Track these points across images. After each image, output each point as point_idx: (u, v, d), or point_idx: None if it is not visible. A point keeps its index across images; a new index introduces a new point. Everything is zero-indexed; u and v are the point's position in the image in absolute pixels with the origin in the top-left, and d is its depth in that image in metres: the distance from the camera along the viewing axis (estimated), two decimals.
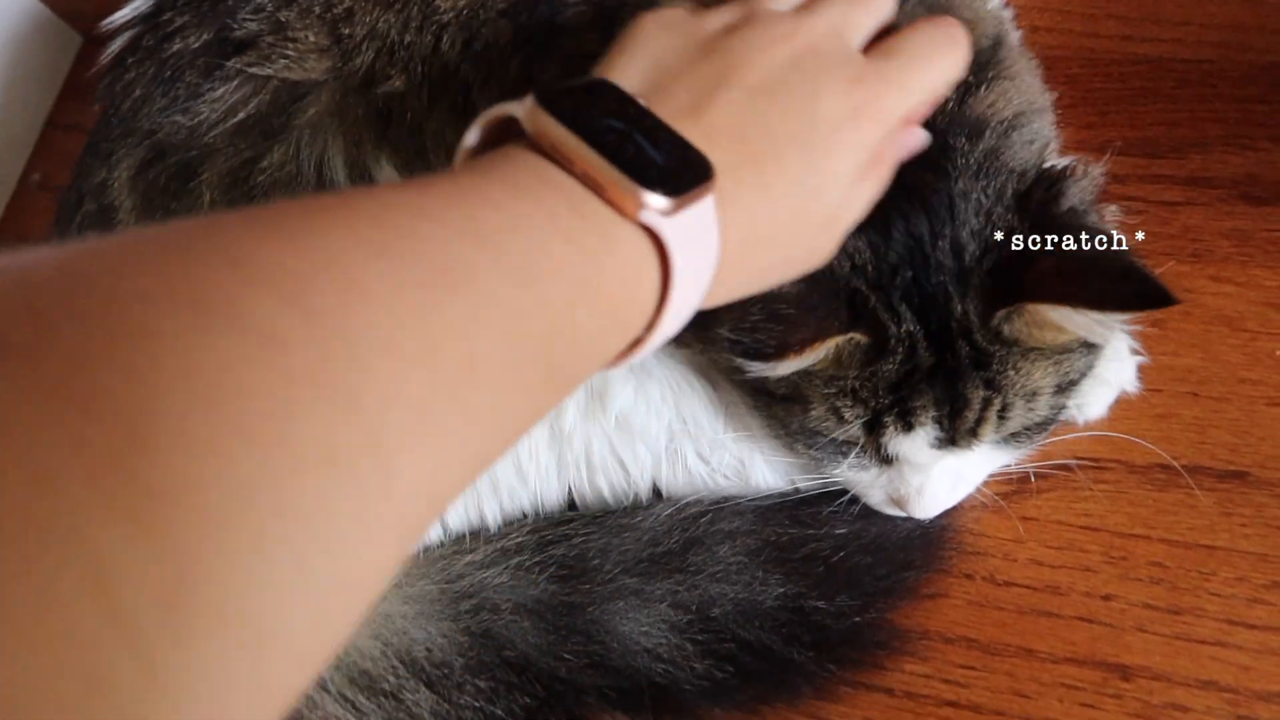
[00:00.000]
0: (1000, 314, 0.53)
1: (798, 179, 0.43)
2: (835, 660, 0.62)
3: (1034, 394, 0.57)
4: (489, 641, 0.64)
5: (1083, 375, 0.59)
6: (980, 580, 0.66)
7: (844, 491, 0.65)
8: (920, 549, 0.65)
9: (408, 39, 0.61)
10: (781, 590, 0.60)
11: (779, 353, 0.52)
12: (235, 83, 0.63)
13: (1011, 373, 0.55)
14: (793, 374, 0.57)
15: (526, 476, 0.65)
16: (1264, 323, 0.68)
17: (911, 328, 0.54)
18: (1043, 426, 0.61)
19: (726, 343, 0.54)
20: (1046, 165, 0.56)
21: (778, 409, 0.61)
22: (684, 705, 0.62)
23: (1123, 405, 0.68)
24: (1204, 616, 0.62)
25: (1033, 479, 0.66)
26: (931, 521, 0.65)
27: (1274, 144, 0.71)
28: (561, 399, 0.37)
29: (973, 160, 0.54)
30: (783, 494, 0.66)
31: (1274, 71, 0.73)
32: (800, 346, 0.52)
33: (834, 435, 0.59)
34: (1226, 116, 0.73)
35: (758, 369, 0.55)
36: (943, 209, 0.53)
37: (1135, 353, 0.67)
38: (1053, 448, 0.67)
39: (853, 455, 0.61)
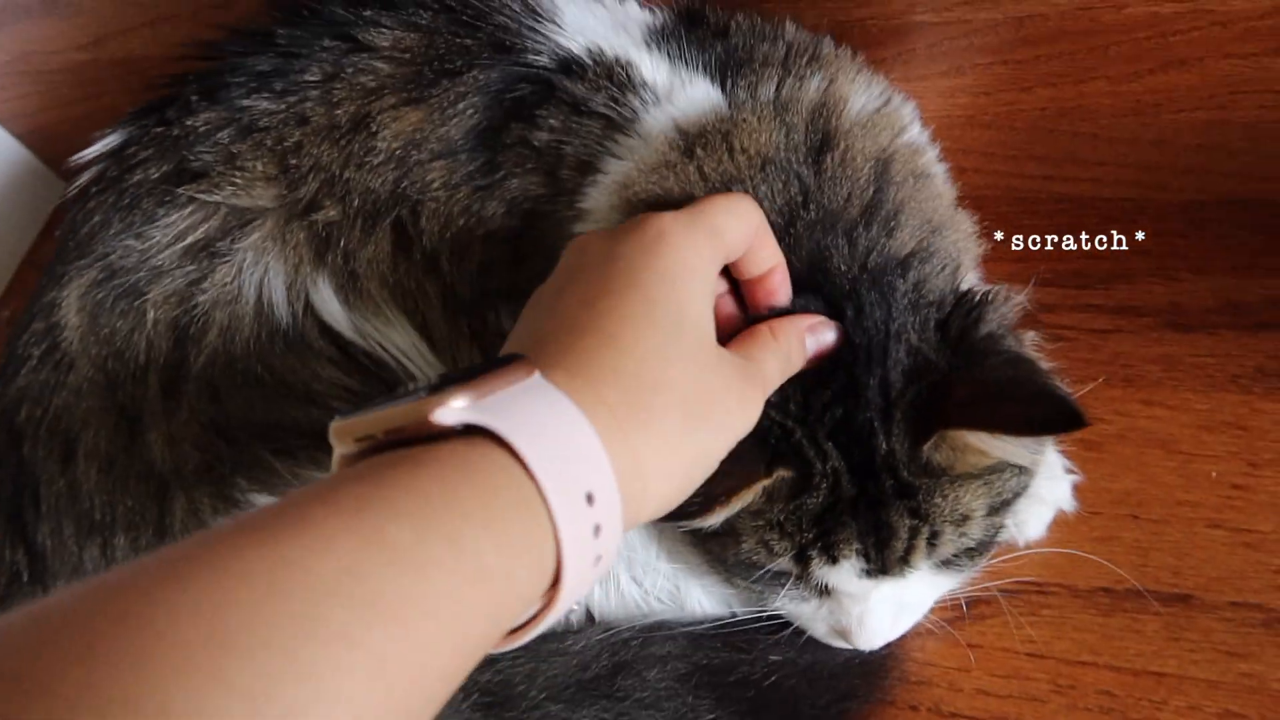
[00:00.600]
0: (927, 445, 0.53)
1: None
2: None
3: (965, 518, 0.56)
4: None
5: (1016, 495, 0.58)
6: (925, 711, 0.64)
7: (787, 622, 0.64)
8: (861, 678, 0.63)
9: (347, 174, 0.64)
10: (713, 716, 0.58)
11: (705, 508, 0.52)
12: (188, 209, 0.66)
13: (939, 500, 0.54)
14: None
15: None
16: (1198, 445, 0.68)
17: (836, 464, 0.54)
18: (981, 550, 0.60)
19: None
20: (965, 290, 0.58)
21: (711, 543, 0.60)
22: None
23: (1063, 528, 0.67)
24: None
25: (965, 608, 0.65)
26: (873, 650, 0.64)
27: (1195, 275, 0.74)
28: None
29: (902, 298, 0.55)
30: (720, 621, 0.64)
31: (1190, 210, 0.76)
32: (726, 497, 0.52)
33: (766, 567, 0.58)
34: (1149, 250, 0.76)
35: (687, 525, 0.55)
36: (877, 349, 0.54)
37: (1070, 471, 0.67)
38: (997, 568, 0.66)
39: (789, 586, 0.59)
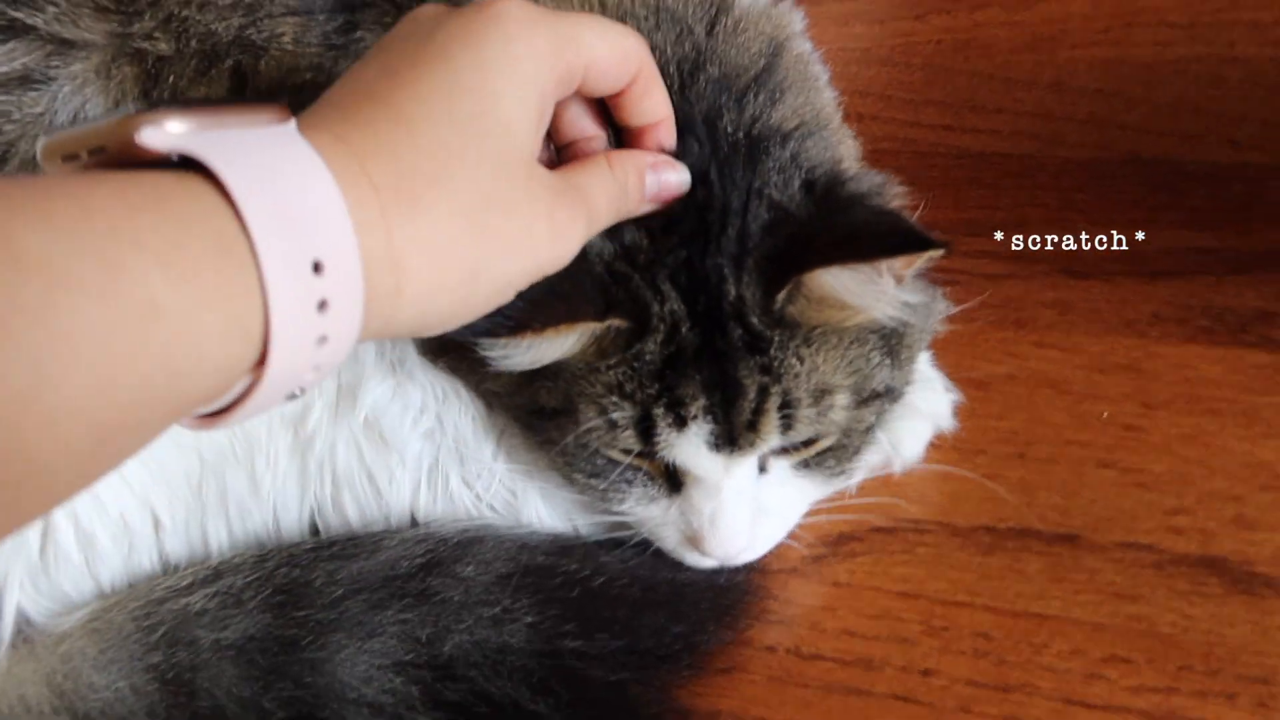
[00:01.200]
0: (780, 294, 0.48)
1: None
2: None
3: (823, 393, 0.51)
4: (181, 691, 0.52)
5: (887, 390, 0.54)
6: (783, 653, 0.56)
7: (639, 543, 0.57)
8: (713, 607, 0.55)
9: (186, 13, 0.59)
10: (532, 621, 0.50)
11: (515, 329, 0.46)
12: (8, 45, 0.60)
13: (794, 361, 0.49)
14: (553, 372, 0.51)
15: (260, 487, 0.55)
16: (1090, 386, 0.63)
17: (675, 306, 0.49)
18: (845, 451, 0.54)
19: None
20: (842, 167, 0.54)
21: (550, 428, 0.53)
22: None
23: (945, 463, 0.62)
24: (1036, 695, 0.52)
25: (833, 546, 0.58)
26: (729, 578, 0.56)
27: (1093, 226, 0.71)
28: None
29: (774, 161, 0.51)
30: (558, 537, 0.57)
31: (1091, 167, 0.74)
32: (541, 326, 0.46)
33: (611, 449, 0.52)
34: (1046, 203, 0.73)
35: (497, 352, 0.49)
36: (737, 202, 0.49)
37: (949, 390, 0.62)
38: (869, 502, 0.60)
39: (637, 482, 0.54)
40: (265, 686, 0.50)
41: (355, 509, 0.56)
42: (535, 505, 0.57)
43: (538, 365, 0.50)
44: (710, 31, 0.53)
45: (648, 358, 0.49)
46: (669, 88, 0.49)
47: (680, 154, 0.50)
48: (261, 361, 0.34)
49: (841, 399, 0.51)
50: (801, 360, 0.49)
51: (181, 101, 0.35)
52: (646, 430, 0.50)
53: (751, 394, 0.49)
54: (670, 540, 0.55)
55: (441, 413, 0.55)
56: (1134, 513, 0.58)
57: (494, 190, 0.40)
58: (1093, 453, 0.61)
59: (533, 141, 0.42)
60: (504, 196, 0.40)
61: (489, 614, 0.50)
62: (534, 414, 0.54)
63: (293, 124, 0.36)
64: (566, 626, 0.50)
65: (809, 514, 0.59)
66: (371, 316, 0.38)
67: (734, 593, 0.56)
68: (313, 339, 0.36)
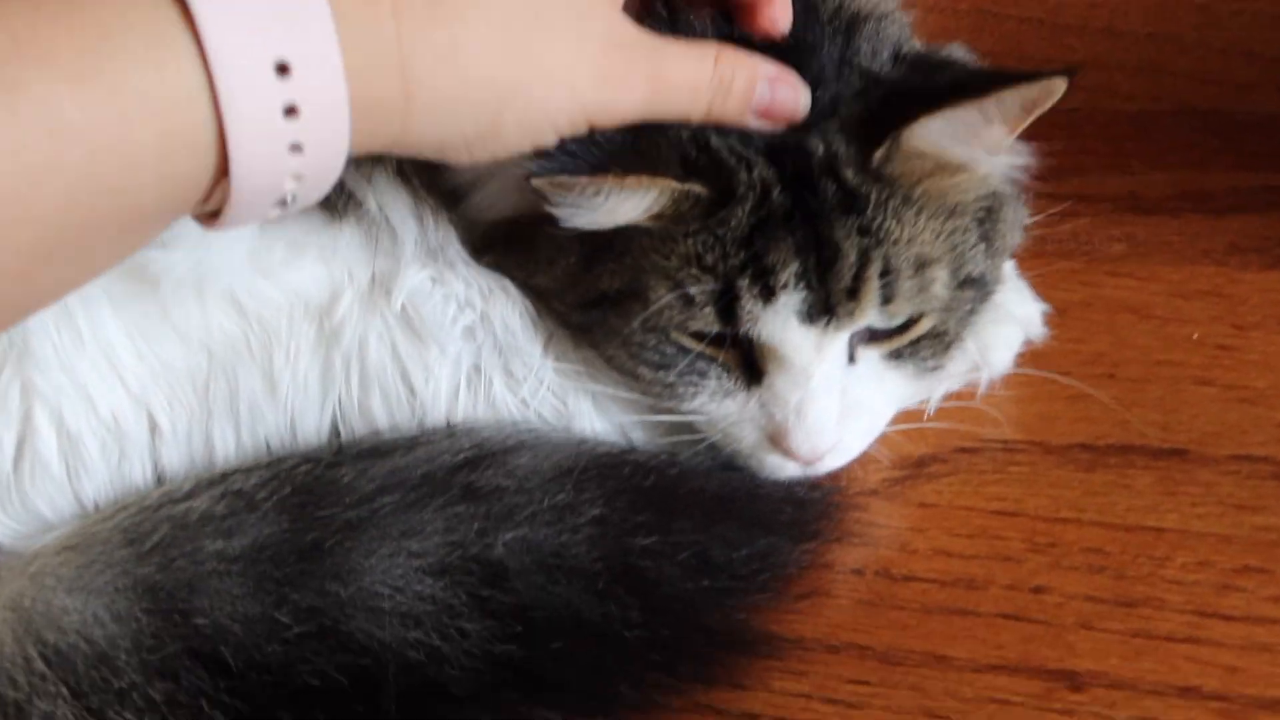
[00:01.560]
0: (878, 153, 0.45)
1: None
2: (672, 648, 0.44)
3: (924, 264, 0.46)
4: (175, 611, 0.43)
5: (982, 278, 0.49)
6: (872, 575, 0.49)
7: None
8: (793, 517, 0.49)
9: None
10: (599, 514, 0.43)
11: (596, 169, 0.41)
12: None
13: (893, 224, 0.45)
14: (619, 248, 0.46)
15: (278, 387, 0.48)
16: (1173, 310, 0.59)
17: (764, 172, 0.45)
18: (940, 341, 0.50)
19: (532, 168, 0.42)
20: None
21: (611, 317, 0.48)
22: (442, 709, 0.42)
23: (1029, 388, 0.57)
24: (1165, 608, 0.46)
25: (916, 467, 0.53)
26: (807, 493, 0.50)
27: (1150, 169, 0.68)
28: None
29: (863, 39, 0.48)
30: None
31: (1140, 118, 0.72)
32: (623, 172, 0.42)
33: (682, 335, 0.47)
34: (1099, 150, 0.71)
35: (565, 207, 0.44)
36: (830, 72, 0.46)
37: (1038, 300, 0.58)
38: (953, 424, 0.55)
39: (711, 373, 0.48)
40: (279, 600, 0.43)
41: (385, 412, 0.49)
42: (588, 414, 0.51)
43: (605, 228, 0.45)
44: None
45: (733, 224, 0.44)
46: None
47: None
48: (222, 165, 0.33)
49: (941, 275, 0.47)
50: (902, 224, 0.45)
51: None
52: (728, 307, 0.45)
53: (852, 257, 0.44)
54: (747, 441, 0.49)
55: (486, 309, 0.49)
56: (1242, 426, 0.53)
57: (540, 11, 0.38)
58: (1188, 371, 0.56)
59: None
60: (551, 20, 0.38)
61: (548, 507, 0.43)
62: (592, 305, 0.48)
63: None
64: (639, 518, 0.43)
65: (887, 429, 0.54)
66: (375, 124, 0.36)
67: (813, 509, 0.50)
68: (282, 147, 0.33)
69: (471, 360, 0.50)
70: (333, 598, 0.42)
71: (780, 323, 0.45)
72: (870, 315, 0.46)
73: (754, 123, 0.44)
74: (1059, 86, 0.42)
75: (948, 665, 0.45)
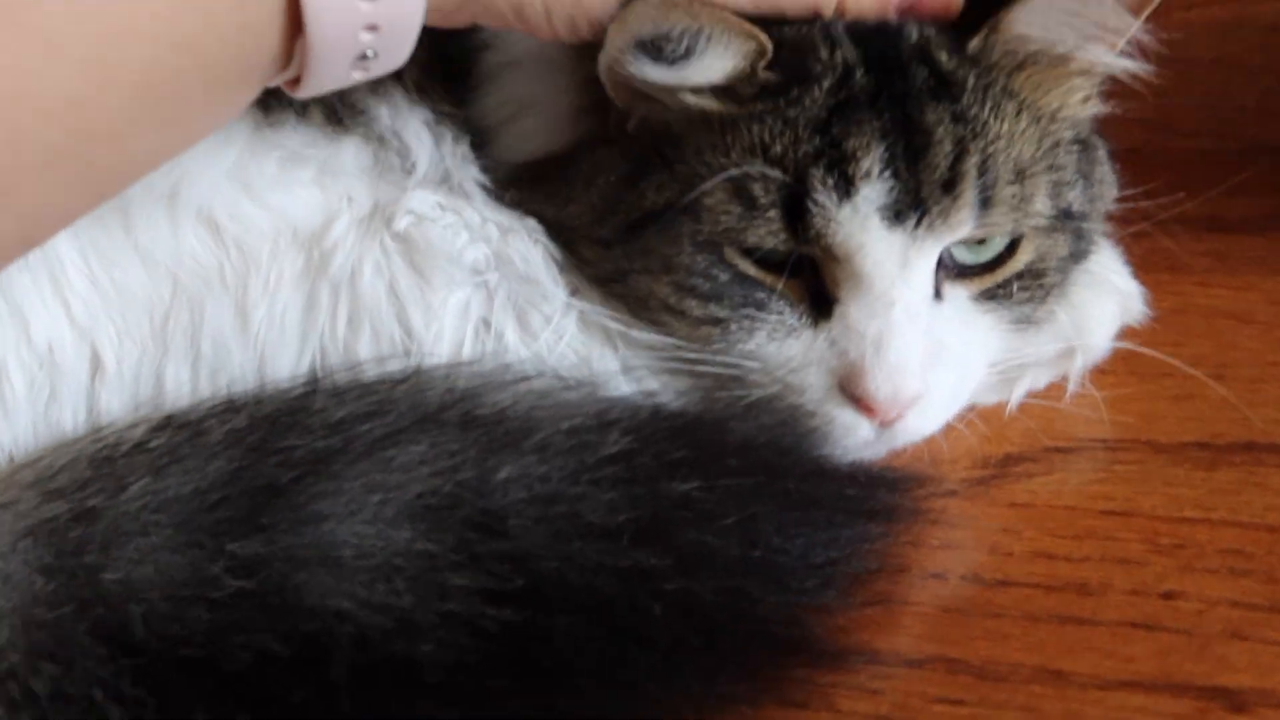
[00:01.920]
0: (975, 39, 0.40)
1: None
2: (713, 644, 0.34)
3: (1024, 171, 0.40)
4: (81, 569, 0.34)
5: (1081, 216, 0.44)
6: (957, 580, 0.40)
7: None
8: (859, 515, 0.39)
9: None
10: (623, 449, 0.34)
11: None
12: None
13: (991, 116, 0.40)
14: (674, 148, 0.40)
15: (249, 321, 0.40)
16: (1276, 316, 0.52)
17: (848, 53, 0.39)
18: (1038, 283, 0.43)
19: None
20: None
21: (659, 243, 0.41)
22: (409, 701, 0.32)
23: (1127, 386, 0.48)
24: None
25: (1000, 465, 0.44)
26: (881, 474, 0.41)
27: (1228, 196, 0.62)
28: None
29: None
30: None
31: (1209, 157, 0.67)
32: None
33: (741, 258, 0.40)
34: (1169, 181, 0.65)
35: (646, 57, 0.38)
36: None
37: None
38: (1044, 423, 0.46)
39: (771, 306, 0.41)
40: (214, 552, 0.33)
41: (373, 352, 0.41)
42: (614, 376, 0.42)
43: (675, 84, 0.39)
44: None
45: (807, 106, 0.38)
46: None
47: None
48: (294, 15, 0.33)
49: (1041, 193, 0.41)
50: (1002, 119, 0.39)
51: None
52: (797, 210, 0.38)
53: (947, 144, 0.38)
54: (813, 392, 0.40)
55: (503, 245, 0.42)
56: None
57: None
58: None
59: None
60: None
61: (563, 432, 0.34)
62: (634, 229, 0.41)
63: None
64: (677, 453, 0.34)
65: (960, 423, 0.46)
66: None
67: (885, 495, 0.41)
68: None
69: (481, 308, 0.42)
70: (282, 547, 0.33)
71: (860, 224, 0.38)
72: (967, 223, 0.39)
73: (890, 12, 0.41)
74: None
75: (1066, 681, 0.35)
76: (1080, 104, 0.43)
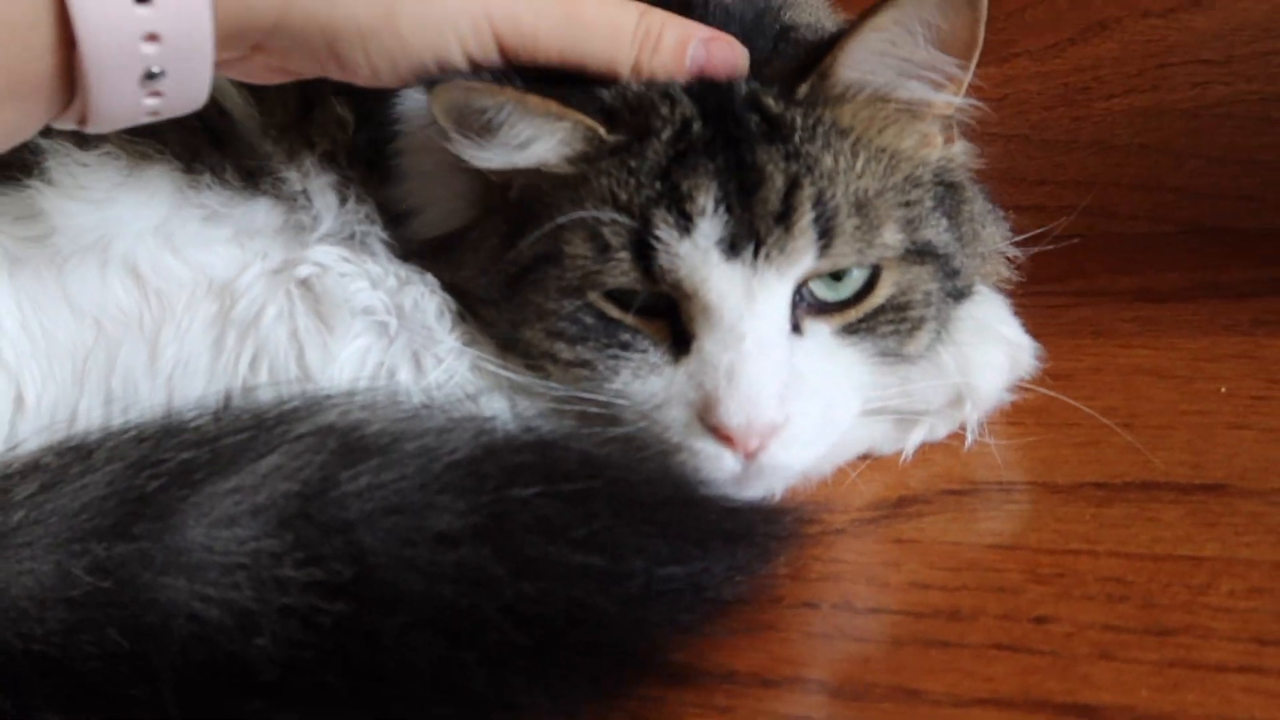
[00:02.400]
0: (804, 84, 0.42)
1: None
2: (552, 649, 0.33)
3: (866, 204, 0.42)
4: None
5: (946, 255, 0.44)
6: (829, 609, 0.39)
7: None
8: (726, 546, 0.39)
9: None
10: (467, 455, 0.34)
11: (499, 80, 0.39)
12: None
13: (824, 152, 0.42)
14: (539, 203, 0.43)
15: (159, 359, 0.43)
16: (1196, 371, 0.52)
17: (686, 108, 0.42)
18: (902, 318, 0.44)
19: (437, 75, 0.40)
20: None
21: (533, 293, 0.44)
22: (236, 700, 0.32)
23: (1027, 435, 0.48)
24: (1213, 636, 0.34)
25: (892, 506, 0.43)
26: (756, 511, 0.41)
27: (1161, 271, 0.63)
28: None
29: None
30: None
31: (1148, 240, 0.68)
32: (525, 90, 0.40)
33: (603, 300, 0.42)
34: (1105, 260, 0.66)
35: (470, 144, 0.41)
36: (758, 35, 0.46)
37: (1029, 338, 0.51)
38: (938, 466, 0.46)
39: (635, 345, 0.43)
40: (79, 553, 0.35)
41: (278, 393, 0.43)
42: (500, 412, 0.44)
43: (514, 166, 0.42)
44: None
45: (649, 157, 0.41)
46: None
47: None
48: (63, 18, 0.32)
49: (891, 226, 0.42)
50: (835, 155, 0.41)
51: None
52: (645, 249, 0.40)
53: (778, 180, 0.40)
54: (677, 423, 0.41)
55: (399, 293, 0.45)
56: None
57: None
58: (1220, 419, 0.47)
59: None
60: None
61: (413, 451, 0.36)
62: (514, 282, 0.44)
63: None
64: (519, 459, 0.35)
65: (853, 465, 0.46)
66: None
67: (760, 529, 0.41)
68: None
69: (379, 354, 0.45)
70: (141, 548, 0.35)
71: (701, 258, 0.40)
72: (807, 253, 0.41)
73: (682, 76, 0.42)
74: None
75: (920, 699, 0.34)
76: (921, 142, 0.45)
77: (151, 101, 0.36)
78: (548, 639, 0.34)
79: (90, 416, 0.43)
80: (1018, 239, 0.52)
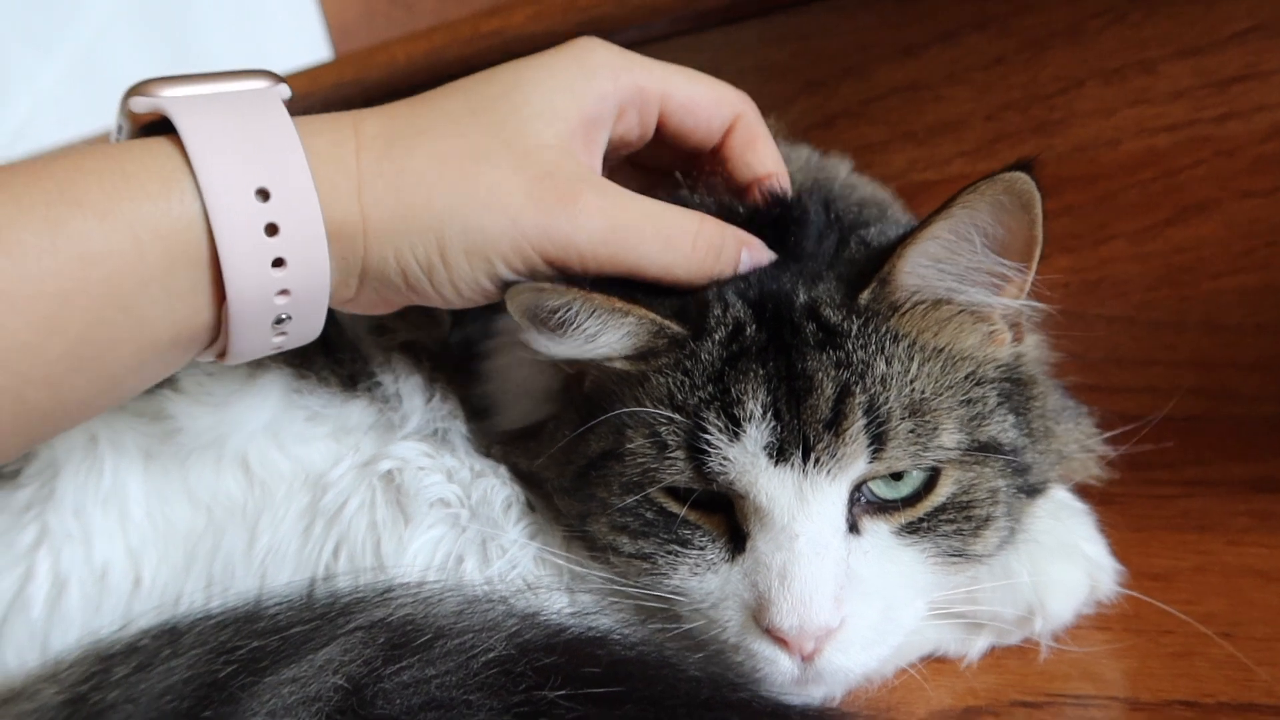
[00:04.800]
0: (865, 292, 0.43)
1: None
2: None
3: (924, 410, 0.42)
4: None
5: (1014, 450, 0.43)
6: None
7: None
8: None
9: None
10: (500, 655, 0.36)
11: (570, 282, 0.43)
12: None
13: (879, 359, 0.42)
14: (605, 398, 0.45)
15: (255, 544, 0.47)
16: None
17: (740, 312, 0.44)
18: (966, 517, 0.42)
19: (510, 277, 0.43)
20: None
21: (598, 487, 0.45)
22: None
23: (1118, 643, 0.44)
24: None
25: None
26: (804, 716, 0.40)
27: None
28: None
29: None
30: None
31: (1274, 422, 0.63)
32: (591, 289, 0.43)
33: (662, 494, 0.43)
34: (1223, 446, 0.61)
35: (543, 339, 0.44)
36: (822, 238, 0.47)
37: (1113, 559, 0.47)
38: (1011, 675, 0.43)
39: (694, 542, 0.43)
40: None
41: (350, 578, 0.46)
42: (561, 608, 0.45)
43: (585, 358, 0.45)
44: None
45: (704, 359, 0.43)
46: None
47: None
48: (218, 282, 0.38)
49: (949, 427, 0.41)
50: (889, 360, 0.42)
51: (182, 76, 0.41)
52: (698, 450, 0.42)
53: (827, 388, 0.41)
54: (733, 623, 0.41)
55: (471, 486, 0.48)
56: None
57: (480, 146, 0.42)
58: None
59: (557, 136, 0.43)
60: (490, 155, 0.42)
61: (455, 648, 0.37)
62: (582, 474, 0.46)
63: (272, 87, 0.42)
64: (548, 660, 0.36)
65: (918, 665, 0.44)
66: (343, 246, 0.41)
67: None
68: (266, 261, 0.38)
69: (449, 543, 0.47)
70: None
71: (749, 461, 0.40)
72: (861, 460, 0.40)
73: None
74: (1019, 180, 0.40)
75: None
76: (985, 341, 0.45)
77: (279, 340, 0.42)
78: None
79: (193, 598, 0.48)
80: (1108, 435, 0.51)
